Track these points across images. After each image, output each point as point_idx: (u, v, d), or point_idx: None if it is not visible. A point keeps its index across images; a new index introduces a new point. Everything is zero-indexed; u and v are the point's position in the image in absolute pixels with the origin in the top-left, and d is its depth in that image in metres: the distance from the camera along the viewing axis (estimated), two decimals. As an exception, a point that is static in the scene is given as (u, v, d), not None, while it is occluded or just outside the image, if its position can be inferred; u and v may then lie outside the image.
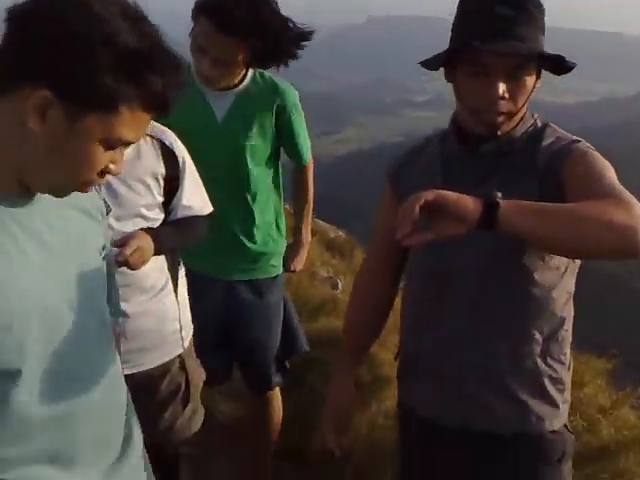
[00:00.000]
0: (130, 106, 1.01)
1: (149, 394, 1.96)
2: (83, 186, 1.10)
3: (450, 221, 1.25)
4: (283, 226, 2.54)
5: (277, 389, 2.64)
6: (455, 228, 1.25)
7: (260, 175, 2.39)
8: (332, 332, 3.14)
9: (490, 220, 1.24)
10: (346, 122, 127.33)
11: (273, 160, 2.45)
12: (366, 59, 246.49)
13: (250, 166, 2.34)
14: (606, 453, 2.19)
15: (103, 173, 1.08)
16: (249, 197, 2.38)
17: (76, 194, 1.16)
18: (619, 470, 2.17)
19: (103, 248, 1.27)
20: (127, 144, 1.07)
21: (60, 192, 1.11)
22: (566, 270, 1.52)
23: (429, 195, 1.23)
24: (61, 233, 1.15)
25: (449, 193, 1.25)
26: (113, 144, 1.04)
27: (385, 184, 1.72)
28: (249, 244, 2.41)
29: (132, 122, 1.02)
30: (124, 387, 1.31)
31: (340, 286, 4.43)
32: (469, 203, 1.24)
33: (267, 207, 2.45)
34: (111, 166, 1.08)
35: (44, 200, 1.11)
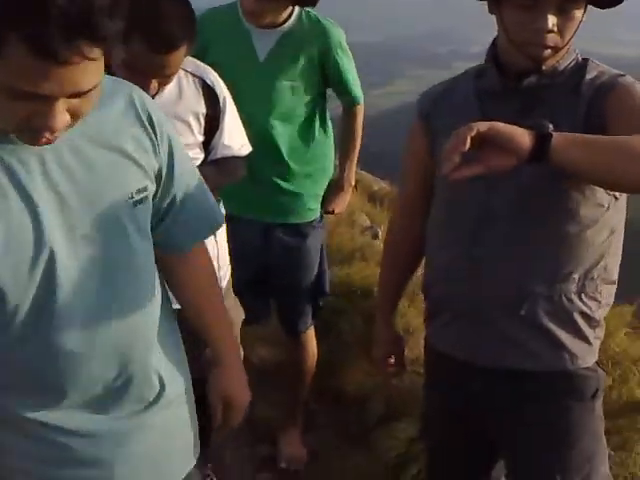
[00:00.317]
0: (16, 52, 0.91)
1: (187, 330, 2.00)
2: (28, 140, 1.05)
3: (500, 153, 1.22)
4: (325, 170, 2.52)
5: (312, 332, 2.68)
6: (505, 161, 1.23)
7: (300, 116, 2.37)
8: (366, 279, 3.15)
9: (542, 152, 1.22)
10: (395, 74, 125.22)
11: (317, 101, 2.41)
12: (415, 9, 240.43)
13: (290, 106, 2.32)
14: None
15: (40, 129, 1.02)
16: (287, 138, 2.36)
17: (117, 132, 1.18)
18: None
19: (140, 191, 1.23)
20: (38, 97, 0.97)
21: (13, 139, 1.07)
22: (609, 207, 1.49)
23: (482, 126, 1.20)
24: (74, 174, 1.15)
25: (501, 124, 1.22)
26: (16, 94, 0.96)
27: (416, 120, 1.69)
28: (284, 185, 2.41)
29: (24, 70, 0.93)
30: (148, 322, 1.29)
31: (380, 235, 4.42)
32: (522, 134, 1.22)
33: (308, 150, 2.43)
34: (48, 121, 1.00)
35: (63, 140, 1.10)
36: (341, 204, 2.66)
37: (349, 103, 2.54)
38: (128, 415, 1.29)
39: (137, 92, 1.26)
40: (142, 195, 1.23)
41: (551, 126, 1.24)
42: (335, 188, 2.63)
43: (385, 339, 1.88)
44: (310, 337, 2.67)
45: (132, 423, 1.30)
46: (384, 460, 2.33)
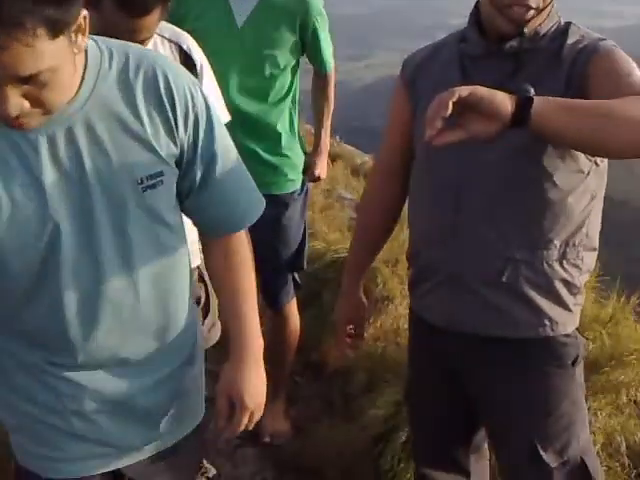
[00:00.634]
0: None
1: None
2: (5, 124, 1.07)
3: (481, 119, 1.20)
4: (299, 140, 2.50)
5: (294, 305, 2.67)
6: (487, 126, 1.21)
7: (277, 85, 2.33)
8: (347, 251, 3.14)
9: (523, 117, 1.20)
10: (376, 46, 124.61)
11: (292, 70, 2.39)
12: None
13: (267, 75, 2.29)
14: (618, 360, 2.20)
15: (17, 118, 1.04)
16: (264, 107, 2.33)
17: (134, 113, 1.17)
18: (630, 381, 2.19)
19: (152, 177, 1.21)
20: None
21: None
22: (589, 173, 1.48)
23: (464, 91, 1.18)
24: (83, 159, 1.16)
25: (483, 89, 1.20)
26: None
27: (399, 85, 1.67)
28: (263, 155, 2.38)
29: None
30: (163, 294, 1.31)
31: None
32: (503, 99, 1.20)
33: (282, 118, 2.41)
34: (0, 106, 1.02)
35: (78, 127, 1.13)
36: (323, 169, 2.65)
37: (323, 68, 2.53)
38: (133, 376, 1.33)
39: (161, 67, 1.22)
40: (154, 181, 1.21)
41: (533, 90, 1.22)
42: (315, 154, 2.63)
43: (347, 303, 1.84)
44: (292, 310, 2.66)
45: (135, 385, 1.34)
46: (369, 430, 2.33)
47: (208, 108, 1.28)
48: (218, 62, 1.98)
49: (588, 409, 1.81)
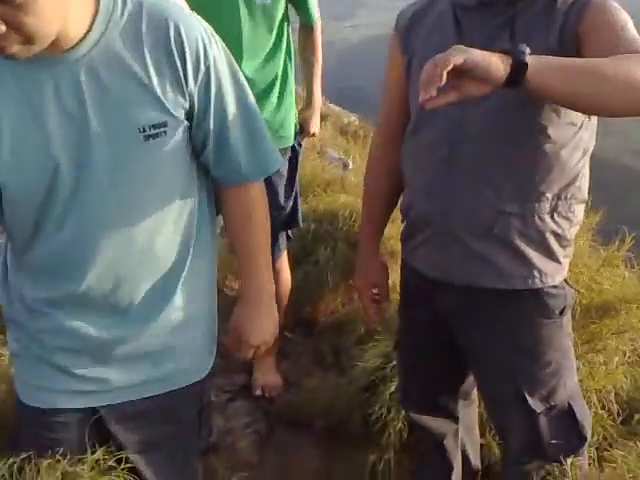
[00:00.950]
0: None
1: None
2: None
3: (475, 81, 1.21)
4: (290, 97, 2.48)
5: (285, 260, 2.69)
6: (480, 88, 1.22)
7: (266, 38, 2.32)
8: (339, 209, 3.15)
9: (518, 80, 1.21)
10: (361, 5, 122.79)
11: (282, 22, 2.37)
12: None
13: (253, 27, 2.26)
14: (607, 310, 2.24)
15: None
16: (253, 63, 2.31)
17: (141, 63, 1.18)
18: (621, 326, 2.22)
19: (156, 126, 1.23)
20: None
21: None
22: (581, 126, 1.50)
23: (458, 58, 1.17)
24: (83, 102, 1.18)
25: (477, 54, 1.20)
26: None
27: (393, 42, 1.67)
28: None
29: None
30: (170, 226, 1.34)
31: (351, 166, 4.42)
32: (497, 65, 1.20)
33: (276, 74, 2.39)
34: None
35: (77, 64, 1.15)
36: (316, 124, 2.66)
37: (309, 20, 2.54)
38: (120, 320, 1.37)
39: (174, 18, 1.21)
40: (157, 130, 1.22)
41: (528, 50, 1.22)
42: (307, 109, 2.63)
43: (367, 268, 1.87)
44: (283, 265, 2.68)
45: (120, 330, 1.38)
46: (358, 382, 2.36)
47: (223, 60, 1.28)
48: (208, 13, 1.94)
49: (578, 357, 1.85)
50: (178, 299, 1.41)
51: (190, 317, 1.45)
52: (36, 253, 1.31)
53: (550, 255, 1.57)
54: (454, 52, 1.18)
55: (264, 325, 1.49)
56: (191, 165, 1.35)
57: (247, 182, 1.41)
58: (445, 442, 1.93)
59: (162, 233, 1.33)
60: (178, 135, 1.26)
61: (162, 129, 1.23)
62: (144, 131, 1.21)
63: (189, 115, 1.27)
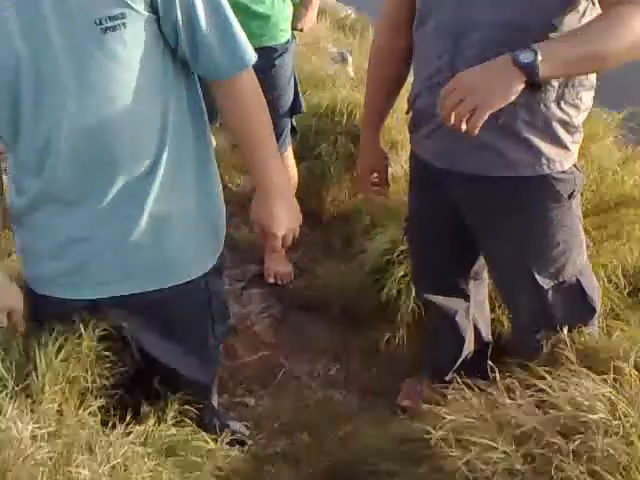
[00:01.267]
0: None
1: None
2: None
3: None
4: None
5: (291, 154, 2.76)
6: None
7: None
8: (339, 103, 3.17)
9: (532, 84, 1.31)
10: None
11: None
12: None
13: None
14: (627, 201, 2.26)
15: None
16: None
17: None
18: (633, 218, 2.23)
19: (112, 18, 1.22)
20: None
21: None
22: (584, 12, 1.49)
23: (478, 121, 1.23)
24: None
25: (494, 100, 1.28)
26: None
27: None
28: (255, 8, 2.39)
29: None
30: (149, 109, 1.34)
31: (350, 60, 4.37)
32: (506, 80, 1.31)
33: None
34: None
35: None
36: (310, 20, 2.67)
37: None
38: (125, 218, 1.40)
39: None
40: (115, 23, 1.21)
41: (539, 57, 1.29)
42: (301, 5, 2.64)
43: (368, 154, 1.92)
44: (289, 157, 2.74)
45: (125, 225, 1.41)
46: (368, 265, 2.45)
47: None
48: None
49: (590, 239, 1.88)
50: (156, 196, 1.40)
51: (175, 214, 1.45)
52: (23, 151, 1.34)
53: (558, 142, 1.58)
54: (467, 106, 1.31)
55: (281, 213, 1.47)
56: (164, 60, 1.33)
57: (229, 75, 1.39)
58: (457, 318, 2.00)
59: (132, 125, 1.33)
60: (139, 28, 1.24)
61: (120, 21, 1.21)
62: (100, 23, 1.20)
63: (153, 7, 1.25)
